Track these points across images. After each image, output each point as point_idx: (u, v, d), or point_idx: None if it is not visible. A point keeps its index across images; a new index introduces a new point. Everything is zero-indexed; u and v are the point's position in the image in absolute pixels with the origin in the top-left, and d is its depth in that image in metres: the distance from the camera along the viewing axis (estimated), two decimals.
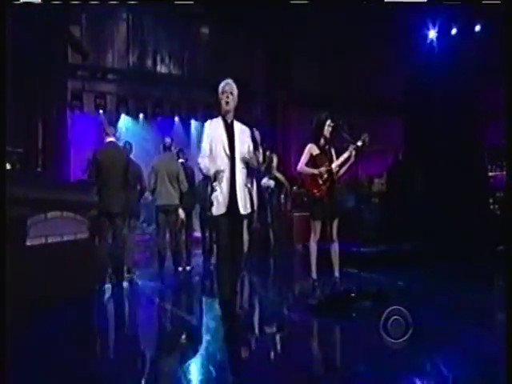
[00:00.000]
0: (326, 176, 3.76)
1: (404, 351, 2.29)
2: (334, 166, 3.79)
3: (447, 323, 2.83)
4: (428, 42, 7.58)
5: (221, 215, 2.90)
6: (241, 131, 3.00)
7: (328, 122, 3.79)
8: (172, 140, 5.06)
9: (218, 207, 2.89)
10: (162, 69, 9.19)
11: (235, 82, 3.02)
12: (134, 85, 8.85)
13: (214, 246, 2.99)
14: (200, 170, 3.00)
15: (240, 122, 3.04)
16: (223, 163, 2.88)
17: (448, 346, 2.44)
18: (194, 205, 5.87)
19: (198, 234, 6.39)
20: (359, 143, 3.73)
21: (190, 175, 5.44)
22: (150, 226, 7.94)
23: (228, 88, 2.95)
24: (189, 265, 5.55)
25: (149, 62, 9.10)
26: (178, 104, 9.29)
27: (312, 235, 3.81)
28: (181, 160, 5.72)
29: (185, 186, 4.95)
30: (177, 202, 4.91)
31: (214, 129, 2.95)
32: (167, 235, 4.95)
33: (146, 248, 6.76)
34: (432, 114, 7.89)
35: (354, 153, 3.73)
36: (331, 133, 3.80)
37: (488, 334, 2.64)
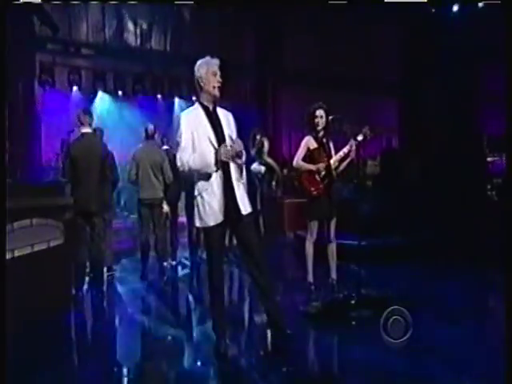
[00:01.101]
0: (324, 173, 3.62)
1: (405, 366, 2.27)
2: (332, 161, 3.65)
3: (450, 329, 2.81)
4: (427, 21, 7.38)
5: (216, 226, 2.45)
6: (226, 119, 2.55)
7: (317, 112, 3.61)
8: (155, 127, 4.80)
9: (212, 216, 2.43)
10: (143, 43, 8.72)
11: (221, 60, 2.56)
12: (112, 60, 8.40)
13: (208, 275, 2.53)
14: (182, 168, 2.43)
15: (219, 107, 2.60)
16: (211, 160, 2.40)
17: (451, 351, 2.46)
18: (180, 196, 5.68)
19: (183, 219, 6.20)
20: (360, 137, 3.58)
21: (174, 164, 5.22)
22: (132, 215, 7.78)
23: (218, 69, 2.50)
24: (174, 260, 5.45)
25: (128, 36, 8.61)
26: (160, 81, 8.90)
27: (308, 236, 3.71)
28: (165, 147, 5.49)
29: (170, 177, 4.75)
30: (161, 195, 4.72)
31: (193, 120, 2.47)
32: (151, 230, 4.78)
33: (127, 238, 6.59)
34: (428, 96, 7.80)
35: (354, 147, 3.58)
36: (325, 126, 3.63)
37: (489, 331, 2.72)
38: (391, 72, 8.76)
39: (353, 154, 3.60)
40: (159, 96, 9.19)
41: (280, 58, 8.66)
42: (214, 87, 2.49)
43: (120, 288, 4.38)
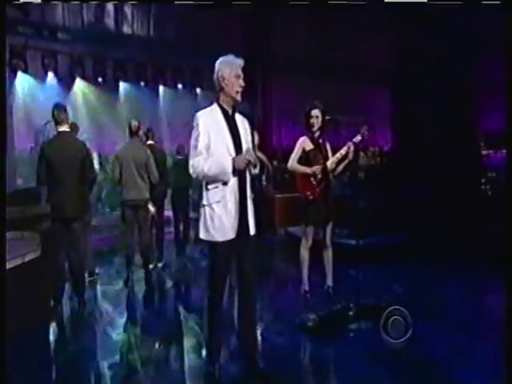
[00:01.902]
0: (320, 176, 3.55)
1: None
2: (329, 163, 3.58)
3: (451, 340, 2.83)
4: (421, 9, 7.29)
5: (224, 242, 2.32)
6: (243, 125, 2.45)
7: (313, 112, 3.54)
8: (139, 123, 4.63)
9: (222, 231, 2.31)
10: (125, 27, 8.40)
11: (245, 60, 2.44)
12: (91, 45, 8.06)
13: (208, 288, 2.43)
14: (194, 174, 2.31)
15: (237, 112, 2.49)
16: (229, 167, 2.29)
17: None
18: (167, 195, 5.56)
19: (169, 213, 6.08)
20: (357, 138, 3.52)
21: (161, 161, 5.09)
22: (114, 211, 7.61)
23: (241, 70, 2.37)
24: (160, 261, 5.36)
25: (109, 21, 8.27)
26: (143, 67, 8.62)
27: (303, 241, 3.66)
28: (150, 142, 5.33)
29: (155, 176, 4.62)
30: (146, 195, 4.58)
31: (210, 122, 2.34)
32: (136, 233, 4.66)
33: (110, 236, 6.44)
34: (422, 84, 7.76)
35: (352, 148, 3.52)
36: (321, 126, 3.55)
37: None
38: (384, 60, 8.68)
39: (350, 156, 3.53)
40: (142, 83, 8.92)
41: (269, 44, 8.48)
42: (236, 92, 2.37)
43: (103, 294, 4.28)
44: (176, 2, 6.40)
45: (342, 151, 3.55)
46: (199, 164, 2.30)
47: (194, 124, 2.36)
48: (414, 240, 5.82)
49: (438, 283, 4.23)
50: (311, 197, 3.54)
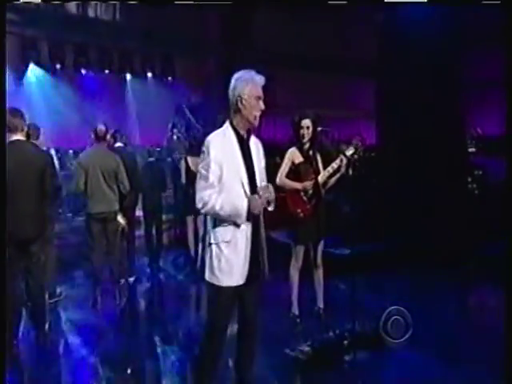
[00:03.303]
0: (311, 192, 3.48)
1: None
2: (320, 178, 3.52)
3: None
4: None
5: (231, 287, 2.17)
6: (257, 151, 2.29)
7: (303, 123, 3.45)
8: (107, 127, 4.39)
9: (230, 276, 2.15)
10: (87, 11, 7.96)
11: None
12: (46, 27, 7.59)
13: (205, 333, 2.26)
14: (203, 209, 2.16)
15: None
16: (243, 210, 2.13)
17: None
18: (137, 203, 5.37)
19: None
20: (350, 151, 3.46)
21: (131, 167, 4.86)
22: (78, 217, 7.29)
23: (261, 90, 2.19)
24: (131, 276, 5.19)
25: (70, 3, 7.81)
26: (109, 54, 8.23)
27: (293, 262, 3.59)
28: (118, 144, 5.11)
29: (126, 186, 4.41)
30: (116, 207, 4.38)
31: (223, 149, 2.16)
32: (104, 249, 4.45)
33: (72, 251, 6.17)
34: (409, 78, 7.82)
35: (344, 162, 3.46)
36: (312, 138, 3.48)
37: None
38: (368, 52, 8.68)
39: (343, 170, 3.48)
40: (107, 71, 8.54)
41: (250, 35, 8.29)
42: (255, 117, 2.20)
43: (67, 321, 4.05)
44: (176, 2, 6.05)
45: (334, 165, 3.48)
46: (210, 199, 2.13)
47: (204, 149, 2.18)
48: (402, 246, 5.92)
49: (440, 296, 4.29)
50: (302, 214, 3.47)
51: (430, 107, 7.52)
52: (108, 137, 4.52)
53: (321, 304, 3.68)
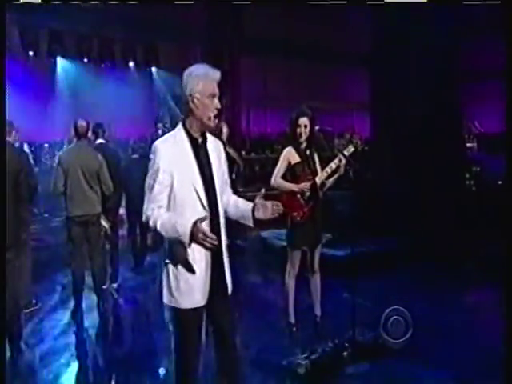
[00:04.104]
0: (308, 194, 3.46)
1: None
2: (318, 179, 3.50)
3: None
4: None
5: (192, 309, 2.07)
6: (216, 155, 2.15)
7: (301, 121, 3.41)
8: (88, 123, 4.28)
9: (189, 297, 2.05)
10: None
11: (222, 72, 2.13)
12: (18, 12, 7.36)
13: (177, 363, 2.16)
14: (148, 225, 2.03)
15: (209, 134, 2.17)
16: (186, 231, 1.94)
17: None
18: (121, 204, 5.28)
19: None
20: (349, 151, 3.45)
21: (114, 166, 4.77)
22: (55, 218, 7.17)
23: (216, 86, 2.06)
24: (115, 281, 5.12)
25: None
26: (87, 41, 8.06)
27: (288, 268, 3.58)
28: (100, 140, 5.00)
29: (109, 187, 4.33)
30: (98, 209, 4.30)
31: (174, 156, 2.02)
32: (85, 255, 4.37)
33: (48, 253, 6.05)
34: (405, 69, 7.85)
35: (343, 162, 3.45)
36: (309, 137, 3.45)
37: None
38: (362, 41, 8.68)
39: (342, 170, 3.46)
40: (86, 60, 8.36)
41: (239, 23, 8.19)
42: (209, 118, 2.06)
43: (44, 333, 3.93)
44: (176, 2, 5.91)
45: (333, 165, 3.47)
46: (152, 215, 2.00)
47: (151, 156, 2.04)
48: (399, 246, 5.98)
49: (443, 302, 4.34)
50: (299, 218, 3.45)
51: (426, 100, 7.56)
52: (90, 135, 4.41)
53: (318, 312, 3.67)
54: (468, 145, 9.32)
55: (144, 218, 2.06)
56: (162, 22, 7.70)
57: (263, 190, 2.15)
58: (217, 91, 2.08)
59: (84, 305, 4.31)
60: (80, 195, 4.16)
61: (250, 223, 2.15)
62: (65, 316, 4.25)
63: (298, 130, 3.42)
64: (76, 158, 4.16)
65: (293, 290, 3.58)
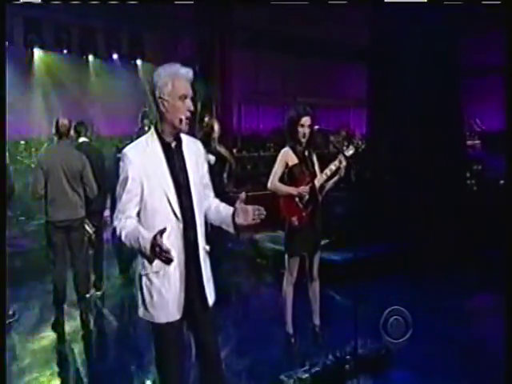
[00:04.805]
0: (307, 197, 3.44)
1: None
2: (317, 181, 3.47)
3: None
4: None
5: (169, 323, 2.04)
6: (194, 158, 2.11)
7: (303, 120, 3.38)
8: (70, 121, 4.20)
9: (164, 311, 2.03)
10: None
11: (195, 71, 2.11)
12: None
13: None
14: (119, 239, 1.98)
15: (187, 136, 2.14)
16: (171, 229, 1.97)
17: None
18: (106, 206, 5.20)
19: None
20: (350, 151, 3.44)
21: (98, 166, 4.70)
22: (32, 221, 7.03)
23: (189, 86, 2.02)
24: (99, 289, 5.05)
25: None
26: (67, 31, 7.90)
27: (286, 275, 3.55)
28: (82, 139, 4.92)
29: (93, 189, 4.26)
30: (82, 213, 4.23)
31: (144, 163, 2.01)
32: (67, 262, 4.29)
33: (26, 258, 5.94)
34: (403, 64, 7.88)
35: (344, 163, 3.43)
36: (310, 137, 3.43)
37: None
38: (360, 35, 8.68)
39: (342, 173, 3.45)
40: (65, 51, 8.21)
41: (230, 13, 8.14)
42: (180, 120, 2.01)
43: (22, 348, 3.83)
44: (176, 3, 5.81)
45: (332, 166, 3.45)
46: (118, 225, 1.98)
47: (121, 164, 2.02)
48: (399, 250, 6.00)
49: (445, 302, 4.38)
50: (297, 222, 3.42)
51: (426, 96, 7.60)
52: (72, 134, 4.33)
53: (317, 321, 3.66)
54: (469, 143, 9.39)
55: (113, 227, 2.05)
56: (147, 12, 7.58)
57: (243, 194, 2.08)
58: (189, 92, 2.03)
59: (65, 316, 4.22)
60: (62, 198, 4.08)
61: (231, 229, 2.12)
62: (45, 328, 4.15)
63: (301, 130, 3.38)
64: (57, 159, 4.07)
65: (291, 298, 3.56)
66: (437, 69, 7.40)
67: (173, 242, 1.97)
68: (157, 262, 1.96)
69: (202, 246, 2.10)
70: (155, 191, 2.00)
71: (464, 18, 7.02)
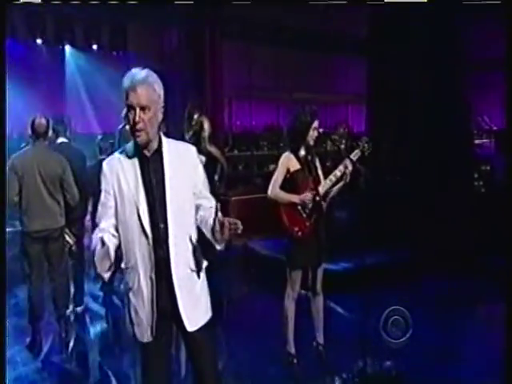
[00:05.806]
0: (311, 205, 3.40)
1: None
2: (321, 188, 3.43)
3: None
4: None
5: (150, 343, 2.09)
6: (182, 166, 2.10)
7: (316, 123, 3.36)
8: (48, 121, 4.10)
9: (140, 332, 2.10)
10: None
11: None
12: None
13: None
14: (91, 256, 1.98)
15: (173, 139, 2.16)
16: (140, 246, 2.03)
17: None
18: (87, 213, 5.10)
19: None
20: (356, 155, 3.41)
21: (79, 170, 4.59)
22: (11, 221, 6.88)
23: (139, 91, 1.96)
24: (80, 304, 4.95)
25: None
26: (41, 20, 7.77)
27: (288, 291, 3.50)
28: (61, 139, 4.82)
29: (74, 196, 4.17)
30: (61, 222, 4.14)
31: (118, 175, 2.06)
32: (45, 276, 4.21)
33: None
34: (405, 58, 7.90)
35: (350, 168, 3.40)
36: (316, 140, 3.40)
37: None
38: (359, 28, 8.70)
39: (347, 178, 3.41)
40: (39, 41, 8.07)
41: (221, 3, 8.09)
42: (133, 132, 2.01)
43: None
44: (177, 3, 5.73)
45: (337, 172, 3.41)
46: (93, 237, 2.02)
47: (101, 176, 2.11)
48: (411, 256, 6.01)
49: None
50: (300, 233, 3.38)
51: (429, 92, 7.62)
52: (50, 134, 4.22)
53: (321, 339, 3.62)
54: (476, 141, 9.45)
55: (96, 256, 2.03)
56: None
57: (218, 205, 2.01)
58: (139, 101, 1.96)
59: (43, 334, 4.15)
60: (39, 206, 3.99)
61: (216, 244, 2.06)
62: (19, 350, 4.06)
63: (312, 133, 3.36)
64: (33, 163, 3.98)
65: (293, 315, 3.52)
66: (440, 63, 7.43)
67: (142, 259, 2.04)
68: (130, 278, 2.07)
69: (178, 265, 2.06)
70: (126, 205, 2.05)
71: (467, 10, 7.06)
